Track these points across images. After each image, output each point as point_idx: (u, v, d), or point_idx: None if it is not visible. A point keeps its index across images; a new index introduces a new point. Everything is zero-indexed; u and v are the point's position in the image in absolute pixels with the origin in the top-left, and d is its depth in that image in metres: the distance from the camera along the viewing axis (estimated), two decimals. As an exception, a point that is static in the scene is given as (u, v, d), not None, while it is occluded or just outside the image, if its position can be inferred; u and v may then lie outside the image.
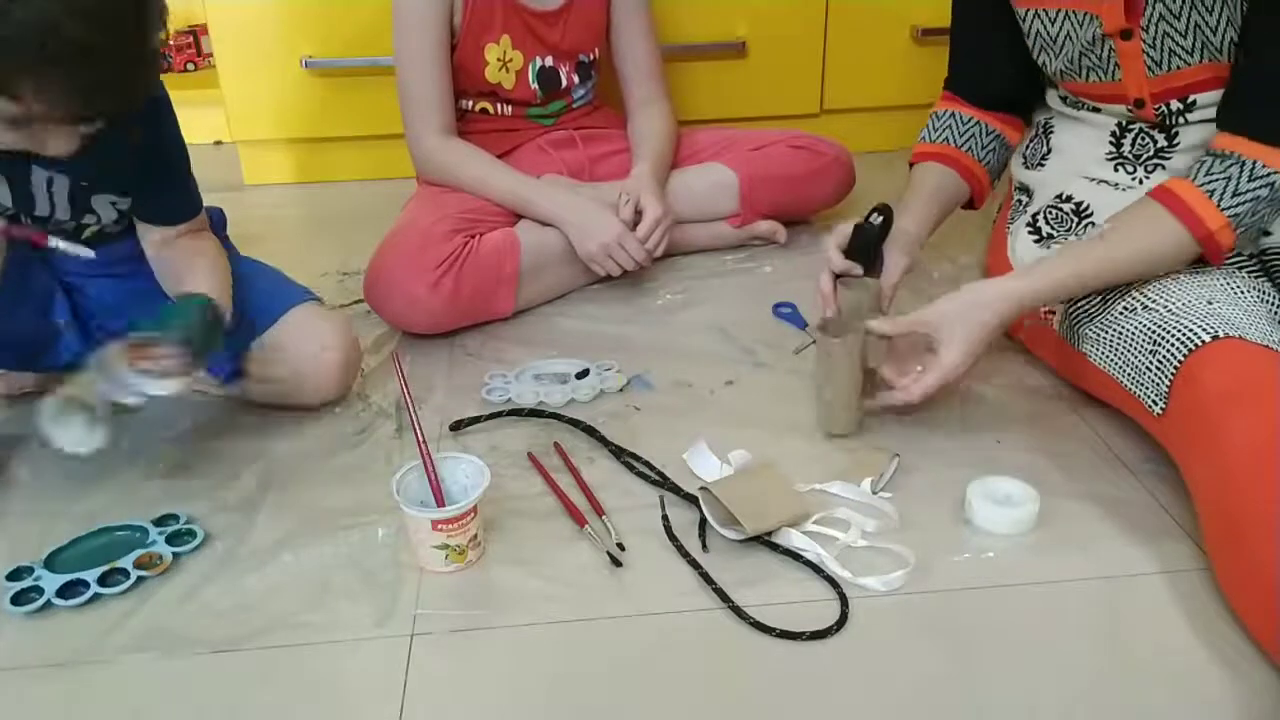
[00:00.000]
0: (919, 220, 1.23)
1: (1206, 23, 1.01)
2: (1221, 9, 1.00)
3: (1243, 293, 1.00)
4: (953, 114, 1.29)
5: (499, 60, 1.52)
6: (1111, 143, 1.15)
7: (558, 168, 1.58)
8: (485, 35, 1.50)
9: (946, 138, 1.28)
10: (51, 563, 0.96)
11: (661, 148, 1.58)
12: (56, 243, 1.00)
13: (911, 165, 1.31)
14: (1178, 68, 1.05)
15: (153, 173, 1.12)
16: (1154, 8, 1.03)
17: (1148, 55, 1.05)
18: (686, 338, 1.39)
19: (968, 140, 1.27)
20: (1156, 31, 1.04)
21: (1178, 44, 1.04)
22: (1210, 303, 0.97)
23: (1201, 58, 1.03)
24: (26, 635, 0.90)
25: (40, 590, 0.93)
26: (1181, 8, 1.02)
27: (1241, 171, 0.98)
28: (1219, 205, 0.99)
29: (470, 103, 1.58)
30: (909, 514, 1.01)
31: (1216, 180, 0.99)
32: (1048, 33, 1.13)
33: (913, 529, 0.99)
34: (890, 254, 1.19)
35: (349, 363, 1.22)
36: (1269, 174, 0.98)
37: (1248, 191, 0.98)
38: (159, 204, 1.15)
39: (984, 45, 1.25)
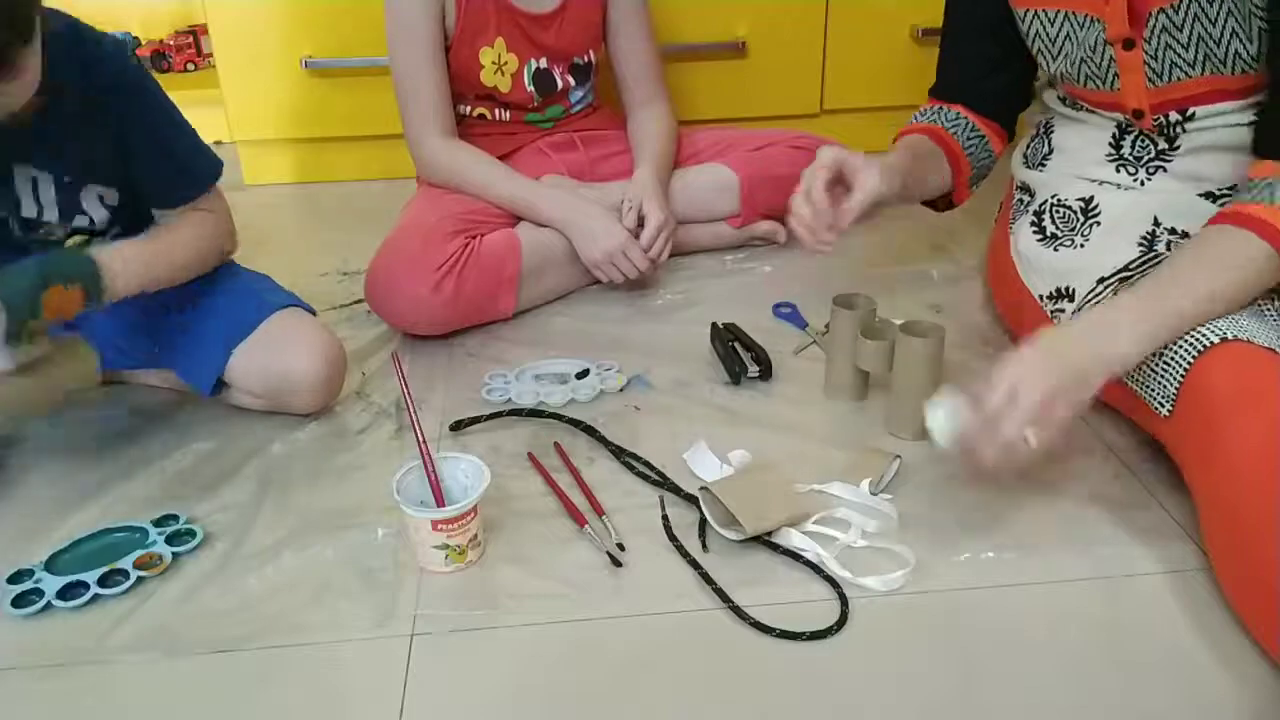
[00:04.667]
0: (900, 160, 1.19)
1: (1210, 34, 1.00)
2: (1227, 19, 0.99)
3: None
4: (940, 108, 1.29)
5: (494, 63, 1.52)
6: (1111, 144, 1.15)
7: (559, 169, 1.58)
8: (479, 38, 1.50)
9: (934, 120, 1.28)
10: (52, 565, 0.96)
11: (663, 149, 1.58)
12: None
13: (894, 142, 1.30)
14: (1178, 79, 1.04)
15: (139, 153, 1.10)
16: (1157, 19, 1.02)
17: (1148, 66, 1.05)
18: (686, 338, 1.39)
19: (954, 128, 1.27)
20: (1159, 43, 1.03)
21: (1179, 56, 1.03)
22: None
23: (1203, 70, 1.03)
24: (27, 636, 0.90)
25: (41, 593, 0.93)
26: (1185, 19, 1.01)
27: None
28: None
29: (468, 108, 1.58)
30: (909, 514, 1.01)
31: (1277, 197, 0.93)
32: (1046, 34, 1.12)
33: (913, 529, 0.99)
34: (868, 170, 1.12)
35: (329, 375, 1.18)
36: None
37: None
38: (154, 185, 1.14)
39: (978, 55, 1.24)
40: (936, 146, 1.27)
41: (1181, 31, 1.01)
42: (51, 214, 1.08)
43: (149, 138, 1.11)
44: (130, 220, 1.15)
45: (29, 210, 1.06)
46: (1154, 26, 1.02)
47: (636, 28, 1.62)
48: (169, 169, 1.14)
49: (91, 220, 1.11)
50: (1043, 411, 0.88)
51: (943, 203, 1.33)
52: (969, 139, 1.28)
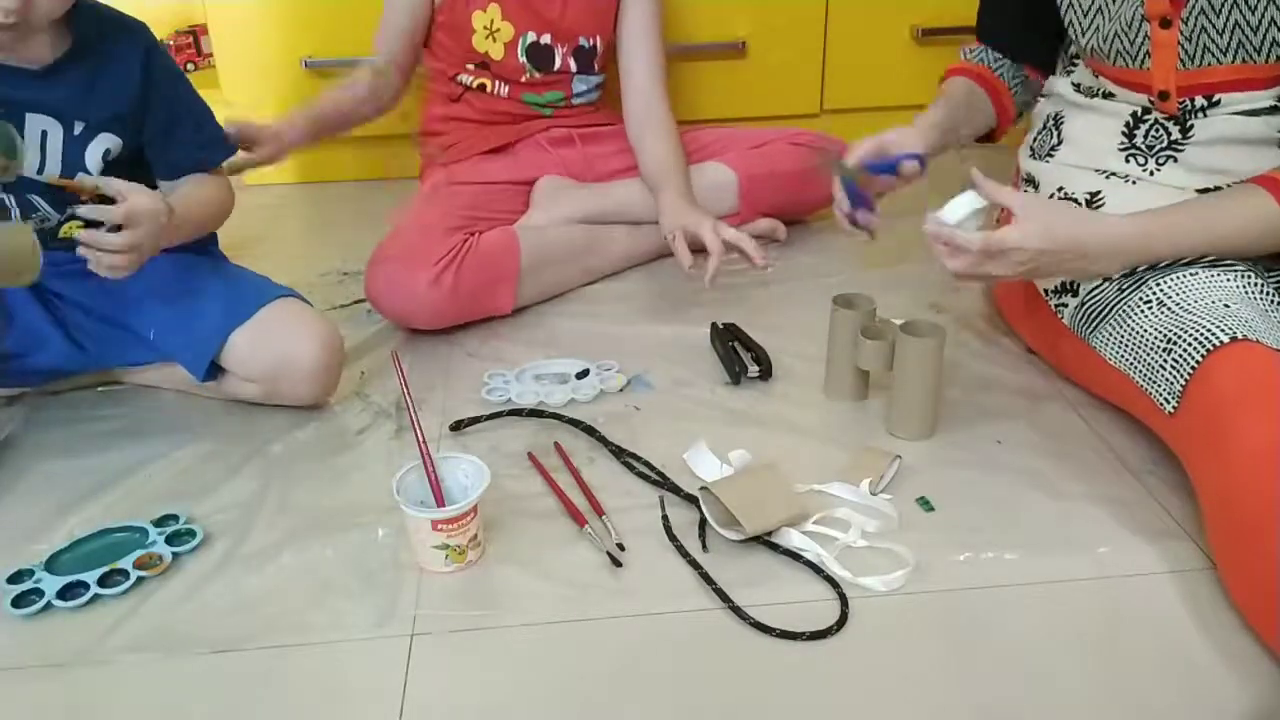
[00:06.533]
0: (937, 115, 1.25)
1: (1248, 21, 1.00)
2: (1267, 7, 0.99)
3: (1258, 296, 1.00)
4: (985, 48, 1.32)
5: (485, 28, 1.53)
6: (1124, 133, 1.14)
7: (557, 165, 1.59)
8: (473, 1, 1.52)
9: (981, 59, 1.32)
10: (52, 565, 0.96)
11: (680, 165, 1.55)
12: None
13: (942, 81, 1.33)
14: (1209, 64, 1.04)
15: (164, 109, 1.15)
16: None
17: (1182, 48, 1.04)
18: (686, 338, 1.38)
19: (1000, 67, 1.31)
20: (1195, 25, 1.03)
21: (1213, 40, 1.03)
22: (1227, 306, 0.97)
23: (1235, 58, 1.02)
24: (27, 636, 0.90)
25: (40, 593, 0.93)
26: (1224, 3, 1.01)
27: None
28: None
29: (469, 79, 1.59)
30: (909, 514, 1.01)
31: None
32: (1079, 5, 1.12)
33: (913, 529, 0.99)
34: (906, 135, 1.21)
35: (328, 361, 1.18)
36: None
37: None
38: (175, 148, 1.17)
39: (1012, 12, 1.26)
40: (980, 89, 1.30)
41: (1219, 15, 1.01)
42: (54, 165, 1.08)
43: (173, 93, 1.16)
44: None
45: (31, 161, 1.07)
46: (1193, 7, 1.02)
47: (643, 24, 1.61)
48: (190, 129, 1.18)
49: (89, 174, 1.11)
50: (1007, 270, 1.03)
51: (984, 139, 1.35)
52: (1014, 79, 1.32)
